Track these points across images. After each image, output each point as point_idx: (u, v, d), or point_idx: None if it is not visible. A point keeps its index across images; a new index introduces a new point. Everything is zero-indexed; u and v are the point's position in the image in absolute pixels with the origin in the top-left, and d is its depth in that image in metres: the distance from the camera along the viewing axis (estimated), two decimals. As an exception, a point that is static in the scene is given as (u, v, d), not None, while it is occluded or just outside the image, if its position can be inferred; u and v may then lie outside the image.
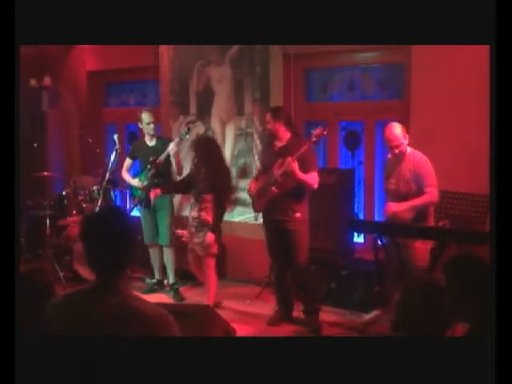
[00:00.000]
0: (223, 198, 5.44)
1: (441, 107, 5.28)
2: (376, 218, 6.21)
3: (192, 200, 5.54)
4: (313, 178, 4.95)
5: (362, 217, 6.21)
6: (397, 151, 4.67)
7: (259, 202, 5.15)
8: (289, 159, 4.82)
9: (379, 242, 4.87)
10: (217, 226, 5.43)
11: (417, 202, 4.57)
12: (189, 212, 5.62)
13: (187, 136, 5.98)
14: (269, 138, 5.45)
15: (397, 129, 4.67)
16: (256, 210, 5.32)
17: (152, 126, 5.98)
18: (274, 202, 5.01)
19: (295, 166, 4.81)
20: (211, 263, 5.52)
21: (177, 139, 5.83)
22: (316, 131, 4.92)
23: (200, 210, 5.41)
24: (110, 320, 2.04)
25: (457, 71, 5.25)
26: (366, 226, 5.29)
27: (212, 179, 5.31)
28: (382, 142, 6.25)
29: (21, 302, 2.36)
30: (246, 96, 6.61)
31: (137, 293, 2.23)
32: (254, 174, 5.76)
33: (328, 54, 6.10)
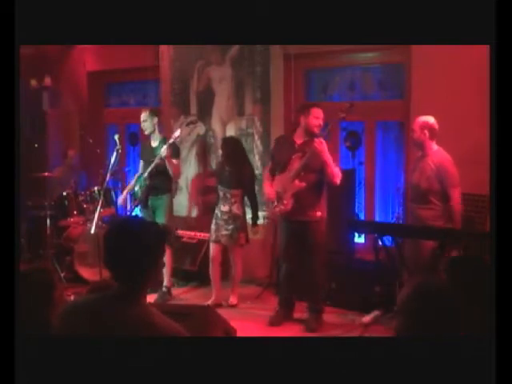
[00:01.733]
0: (250, 194, 5.74)
1: (441, 107, 5.28)
2: (377, 219, 6.22)
3: (221, 195, 5.73)
4: (337, 169, 4.90)
5: (362, 217, 6.21)
6: (414, 136, 4.70)
7: (284, 200, 4.96)
8: (317, 140, 4.77)
9: (380, 243, 4.88)
10: (244, 220, 5.73)
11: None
12: (217, 207, 5.75)
13: (178, 139, 5.94)
14: (284, 137, 5.44)
15: (423, 118, 4.70)
16: (283, 210, 5.01)
17: (146, 124, 5.87)
18: (296, 201, 4.91)
19: (325, 144, 4.75)
20: (239, 253, 5.80)
21: (169, 142, 5.72)
22: (342, 107, 4.87)
23: (231, 204, 5.66)
24: (126, 331, 2.02)
25: (457, 71, 5.25)
26: (367, 227, 5.29)
27: (238, 176, 5.61)
28: (383, 142, 6.27)
29: (22, 302, 2.36)
30: (246, 96, 6.61)
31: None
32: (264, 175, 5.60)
33: (328, 53, 6.10)
